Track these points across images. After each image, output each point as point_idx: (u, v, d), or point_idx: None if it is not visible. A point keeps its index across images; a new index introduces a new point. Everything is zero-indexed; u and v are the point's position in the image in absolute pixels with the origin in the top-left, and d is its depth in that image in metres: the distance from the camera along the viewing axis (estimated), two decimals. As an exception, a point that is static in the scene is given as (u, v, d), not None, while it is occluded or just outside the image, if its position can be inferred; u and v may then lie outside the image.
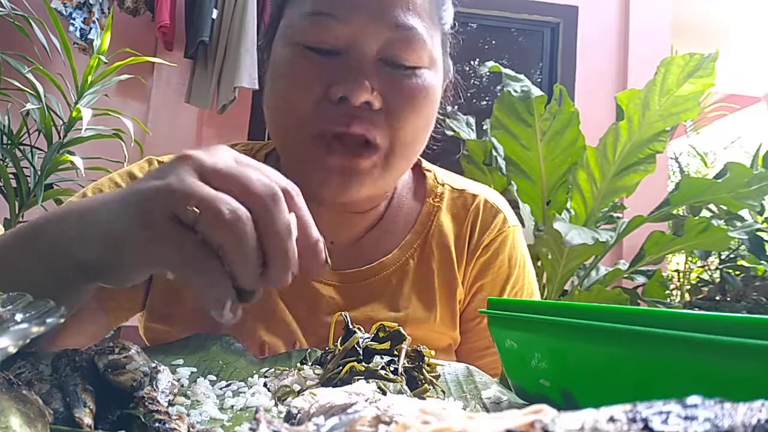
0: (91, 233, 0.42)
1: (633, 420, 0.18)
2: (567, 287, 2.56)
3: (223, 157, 0.40)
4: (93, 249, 0.41)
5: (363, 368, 0.44)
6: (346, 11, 0.60)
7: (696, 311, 0.34)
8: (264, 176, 0.38)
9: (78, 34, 3.02)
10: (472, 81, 3.61)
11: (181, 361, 0.52)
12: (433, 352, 0.49)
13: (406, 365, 0.46)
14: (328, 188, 0.63)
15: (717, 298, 3.07)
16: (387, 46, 0.61)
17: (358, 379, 0.44)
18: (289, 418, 0.34)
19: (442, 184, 0.78)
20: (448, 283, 0.74)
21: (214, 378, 0.49)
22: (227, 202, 0.36)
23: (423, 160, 0.81)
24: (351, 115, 0.60)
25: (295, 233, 0.38)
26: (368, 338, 0.49)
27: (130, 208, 0.38)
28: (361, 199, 0.67)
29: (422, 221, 0.75)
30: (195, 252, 0.36)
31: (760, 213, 2.87)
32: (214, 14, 3.11)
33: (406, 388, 0.44)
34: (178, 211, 0.36)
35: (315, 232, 0.41)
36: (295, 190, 0.40)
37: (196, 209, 0.36)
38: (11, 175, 2.34)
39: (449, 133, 2.63)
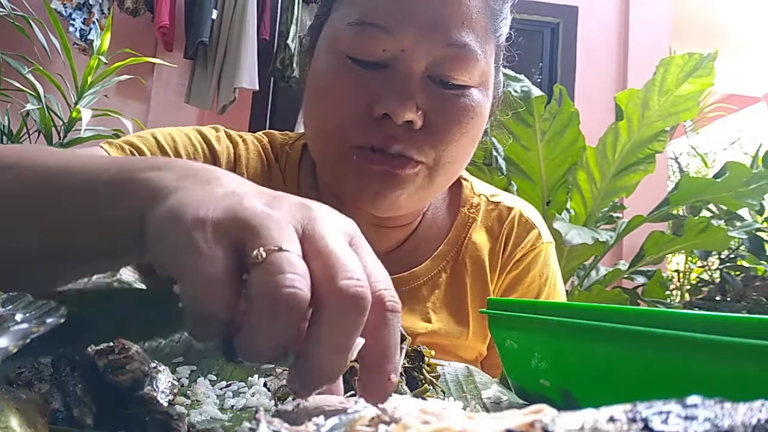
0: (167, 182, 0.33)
1: (633, 420, 0.18)
2: (567, 287, 2.56)
3: (339, 230, 0.31)
4: (141, 216, 0.33)
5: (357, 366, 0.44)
6: (396, 24, 0.56)
7: (696, 311, 0.34)
8: (364, 277, 0.29)
9: (78, 34, 3.03)
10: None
11: (181, 360, 0.52)
12: (432, 352, 0.49)
13: (406, 365, 0.46)
14: (367, 197, 0.60)
15: (717, 298, 3.07)
16: (436, 64, 0.58)
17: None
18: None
19: (479, 195, 0.76)
20: (482, 298, 0.72)
21: (214, 378, 0.49)
22: (292, 279, 0.27)
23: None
24: (392, 133, 0.57)
25: (354, 351, 0.29)
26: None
27: (206, 202, 0.30)
28: (399, 212, 0.64)
29: (456, 232, 0.73)
30: (214, 289, 0.27)
31: (760, 213, 2.87)
32: (214, 14, 3.11)
33: (405, 388, 0.44)
34: (246, 245, 0.28)
35: (391, 366, 0.31)
36: (395, 308, 0.31)
37: (263, 256, 0.27)
38: (11, 176, 2.34)
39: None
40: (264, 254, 0.27)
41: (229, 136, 0.73)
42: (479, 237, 0.74)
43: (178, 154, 0.66)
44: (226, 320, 0.27)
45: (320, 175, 0.71)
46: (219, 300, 0.27)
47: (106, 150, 0.64)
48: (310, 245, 0.29)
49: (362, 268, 0.29)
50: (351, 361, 0.29)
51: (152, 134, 0.68)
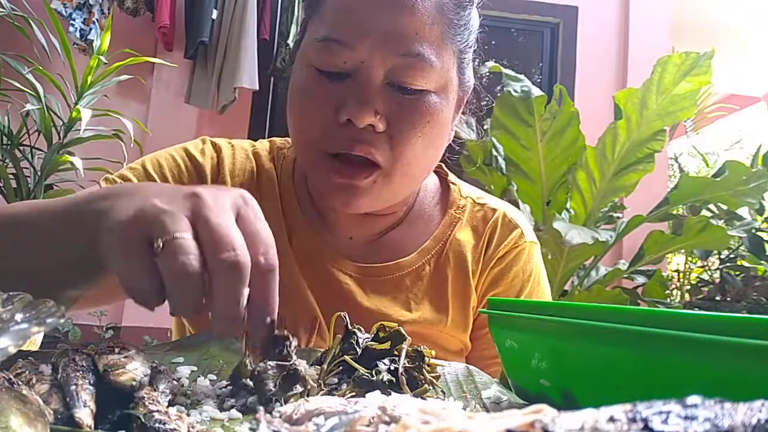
0: (98, 222, 0.45)
1: (633, 420, 0.18)
2: (567, 287, 2.56)
3: (224, 208, 0.41)
4: (94, 236, 0.44)
5: (356, 366, 0.45)
6: (354, 38, 0.63)
7: (696, 311, 0.34)
8: (240, 246, 0.39)
9: (78, 34, 3.03)
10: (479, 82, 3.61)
11: (181, 360, 0.52)
12: (433, 352, 0.49)
13: (407, 365, 0.46)
14: (334, 201, 0.68)
15: (717, 298, 3.07)
16: (393, 72, 0.63)
17: (356, 380, 0.44)
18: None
19: (465, 198, 0.82)
20: (462, 290, 0.77)
21: (214, 378, 0.49)
22: (182, 259, 0.38)
23: (451, 174, 0.85)
24: (355, 136, 0.64)
25: (243, 305, 0.40)
26: (368, 338, 0.49)
27: (127, 210, 0.41)
28: (366, 210, 0.71)
29: (442, 230, 0.79)
30: (141, 276, 0.39)
31: (760, 212, 2.87)
32: (214, 14, 3.11)
33: (406, 388, 0.44)
34: (148, 237, 0.39)
35: (269, 309, 0.42)
36: (270, 268, 0.42)
37: (160, 246, 0.38)
38: (11, 176, 2.34)
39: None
40: (161, 244, 0.38)
41: (213, 145, 0.79)
42: (464, 235, 0.79)
43: (164, 178, 0.75)
44: (154, 295, 0.39)
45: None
46: (144, 285, 0.39)
47: (101, 186, 0.72)
48: (198, 227, 0.40)
49: (241, 239, 0.40)
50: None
51: (142, 164, 0.75)
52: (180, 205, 0.40)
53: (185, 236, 0.39)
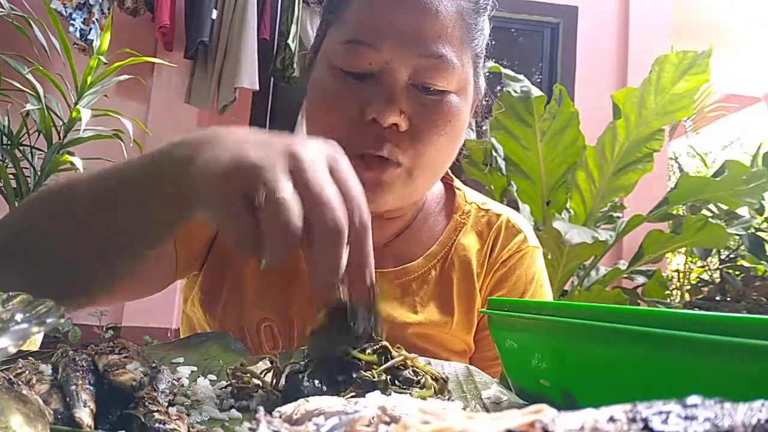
0: (188, 165, 0.45)
1: (633, 420, 0.18)
2: (567, 287, 2.56)
3: (321, 165, 0.42)
4: (180, 185, 0.45)
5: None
6: (379, 40, 0.65)
7: (696, 311, 0.34)
8: (341, 209, 0.40)
9: (78, 34, 3.03)
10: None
11: (181, 360, 0.52)
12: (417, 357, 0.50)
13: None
14: None
15: (717, 298, 3.07)
16: (417, 72, 0.66)
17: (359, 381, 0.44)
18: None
19: (470, 203, 0.84)
20: (467, 293, 0.79)
21: (214, 378, 0.49)
22: (289, 213, 0.39)
23: (456, 179, 0.87)
24: (379, 135, 0.65)
25: (342, 263, 0.41)
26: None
27: (221, 160, 0.42)
28: (388, 209, 0.73)
29: (448, 235, 0.81)
30: (244, 229, 0.40)
31: (759, 212, 2.87)
32: (214, 14, 3.11)
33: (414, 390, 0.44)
34: (249, 192, 0.40)
35: (369, 275, 0.43)
36: (365, 225, 0.43)
37: (262, 203, 0.39)
38: (11, 176, 2.34)
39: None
40: (264, 199, 0.39)
41: None
42: (468, 240, 0.81)
43: None
44: (253, 247, 0.40)
45: None
46: (247, 235, 0.40)
47: None
48: (298, 180, 0.40)
49: (339, 200, 0.41)
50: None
51: None
52: (280, 161, 0.41)
53: (287, 195, 0.39)
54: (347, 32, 0.67)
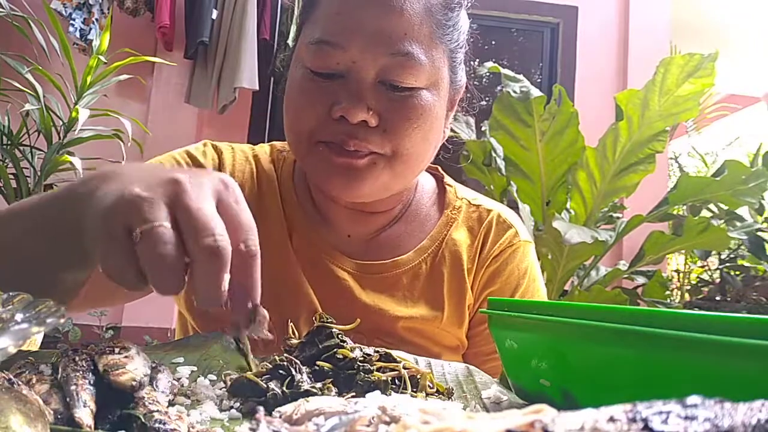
0: (83, 212, 0.45)
1: (633, 420, 0.18)
2: (567, 287, 2.56)
3: (205, 193, 0.41)
4: (80, 222, 0.45)
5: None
6: (345, 40, 0.66)
7: (696, 311, 0.34)
8: (221, 232, 0.39)
9: (77, 34, 3.02)
10: (472, 81, 3.61)
11: (181, 360, 0.52)
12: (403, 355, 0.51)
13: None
14: (334, 186, 0.69)
15: (717, 298, 3.07)
16: (384, 71, 0.66)
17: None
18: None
19: (461, 199, 0.84)
20: (458, 288, 0.79)
21: (214, 378, 0.49)
22: (164, 243, 0.38)
23: (447, 176, 0.87)
24: (349, 132, 0.66)
25: (224, 289, 0.40)
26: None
27: (107, 197, 0.42)
28: (366, 197, 0.73)
29: (439, 229, 0.81)
30: (122, 265, 0.39)
31: (759, 212, 2.87)
32: (214, 14, 3.11)
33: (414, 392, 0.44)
34: (129, 225, 0.39)
35: (252, 301, 0.42)
36: (251, 253, 0.42)
37: (139, 236, 0.38)
38: (11, 176, 2.34)
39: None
40: (140, 234, 0.38)
41: (215, 147, 0.82)
42: (459, 235, 0.81)
43: None
44: (136, 282, 0.39)
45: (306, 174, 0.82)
46: (124, 269, 0.39)
47: None
48: (178, 213, 0.40)
49: (221, 225, 0.40)
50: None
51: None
52: (159, 192, 0.40)
53: (164, 224, 0.39)
54: (316, 33, 0.68)
